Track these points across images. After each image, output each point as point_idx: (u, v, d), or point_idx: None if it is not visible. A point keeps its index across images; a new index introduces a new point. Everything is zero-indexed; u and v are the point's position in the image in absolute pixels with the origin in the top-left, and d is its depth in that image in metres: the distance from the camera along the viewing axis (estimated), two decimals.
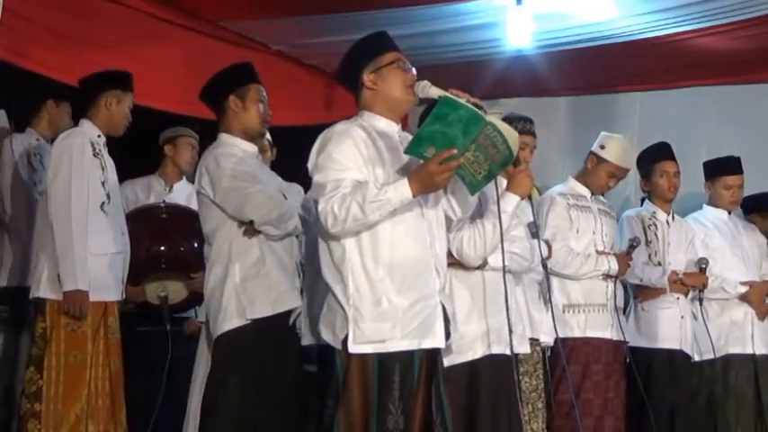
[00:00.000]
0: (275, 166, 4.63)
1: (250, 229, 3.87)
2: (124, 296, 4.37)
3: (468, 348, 3.56)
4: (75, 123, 4.79)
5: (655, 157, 5.17)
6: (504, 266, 3.46)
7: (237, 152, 3.97)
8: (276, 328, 3.87)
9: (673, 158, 5.14)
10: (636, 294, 5.11)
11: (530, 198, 3.77)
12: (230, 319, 3.82)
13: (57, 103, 4.90)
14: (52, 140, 4.87)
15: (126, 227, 4.38)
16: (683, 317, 5.05)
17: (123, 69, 4.41)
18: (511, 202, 3.58)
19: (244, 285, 3.83)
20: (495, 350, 3.62)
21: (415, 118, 3.78)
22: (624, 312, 5.00)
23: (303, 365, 4.21)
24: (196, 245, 4.30)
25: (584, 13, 5.46)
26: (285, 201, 3.97)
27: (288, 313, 3.92)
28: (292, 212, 3.93)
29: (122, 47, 5.01)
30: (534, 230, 4.44)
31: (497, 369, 3.63)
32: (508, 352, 3.62)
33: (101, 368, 4.18)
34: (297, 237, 4.08)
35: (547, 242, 4.50)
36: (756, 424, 5.12)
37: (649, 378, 4.88)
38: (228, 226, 3.89)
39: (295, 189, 4.30)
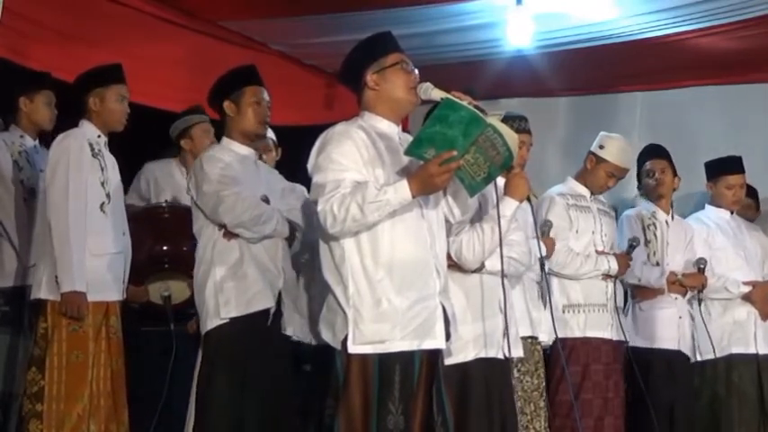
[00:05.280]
0: (278, 166, 4.64)
1: (228, 231, 3.91)
2: (125, 296, 4.35)
3: (459, 350, 3.55)
4: (60, 112, 4.80)
5: (645, 157, 5.21)
6: (502, 271, 3.47)
7: (227, 156, 4.00)
8: (255, 327, 3.92)
9: (660, 157, 5.16)
10: (634, 294, 5.11)
11: (529, 199, 3.78)
12: (211, 318, 3.90)
13: (30, 99, 4.86)
14: (39, 136, 4.87)
15: (127, 227, 4.38)
16: (680, 317, 5.06)
17: (103, 64, 4.37)
18: (509, 206, 3.59)
19: (222, 285, 3.90)
20: (487, 354, 3.62)
21: (415, 119, 3.79)
22: (623, 312, 5.00)
23: (293, 364, 4.22)
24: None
25: (584, 13, 5.47)
26: (262, 204, 3.99)
27: (264, 313, 3.94)
28: (270, 215, 3.95)
29: (122, 46, 5.02)
30: (546, 230, 4.46)
31: (489, 372, 3.63)
32: (500, 356, 3.63)
33: (103, 368, 4.17)
34: (291, 239, 4.09)
35: (546, 229, 4.49)
36: (760, 423, 5.13)
37: (647, 378, 4.88)
38: (211, 228, 3.95)
39: (298, 191, 4.30)
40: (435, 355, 3.24)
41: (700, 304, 5.11)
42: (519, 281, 4.09)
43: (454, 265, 3.59)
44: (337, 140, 3.18)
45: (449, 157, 3.04)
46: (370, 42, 3.37)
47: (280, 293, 4.02)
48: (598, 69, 6.35)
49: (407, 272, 3.16)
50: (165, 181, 5.21)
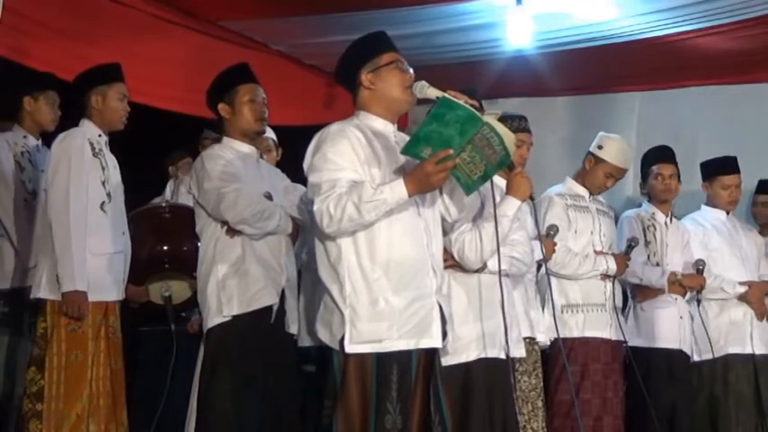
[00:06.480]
0: (278, 166, 4.64)
1: (231, 228, 3.91)
2: (124, 296, 4.36)
3: (462, 350, 3.55)
4: (63, 113, 4.81)
5: (652, 159, 5.19)
6: (499, 270, 3.46)
7: (228, 154, 4.01)
8: (258, 325, 3.92)
9: (670, 161, 5.15)
10: (634, 294, 5.11)
11: (531, 198, 3.78)
12: (213, 317, 3.90)
13: (34, 99, 4.87)
14: (42, 136, 4.88)
15: (127, 227, 4.38)
16: (681, 317, 5.05)
17: (104, 63, 4.38)
18: (511, 206, 3.58)
19: (224, 283, 3.89)
20: (490, 354, 3.61)
21: (416, 119, 3.78)
22: (623, 313, 5.01)
23: (297, 361, 4.23)
24: (199, 244, 4.31)
25: (584, 13, 5.48)
26: (264, 200, 3.98)
27: (267, 310, 3.95)
28: (272, 211, 3.95)
29: (123, 46, 5.02)
30: (552, 233, 4.45)
31: (491, 372, 3.61)
32: (503, 356, 3.62)
33: (102, 368, 4.17)
34: (294, 236, 4.09)
35: (552, 233, 4.49)
36: (757, 424, 5.13)
37: (648, 378, 4.87)
38: (213, 226, 3.95)
39: (300, 190, 4.30)
40: (432, 354, 3.24)
41: (699, 305, 5.11)
42: (519, 282, 4.09)
43: (456, 265, 3.59)
44: (332, 140, 3.18)
45: (445, 156, 3.04)
46: (365, 42, 3.37)
47: (283, 291, 4.02)
48: (598, 69, 6.37)
49: (404, 271, 3.16)
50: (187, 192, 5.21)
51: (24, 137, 4.87)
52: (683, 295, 5.09)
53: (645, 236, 5.10)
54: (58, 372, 4.10)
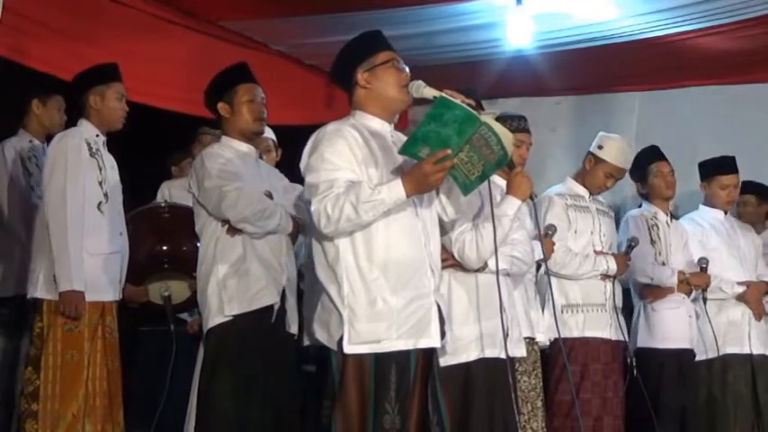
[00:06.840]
0: (278, 166, 4.65)
1: (233, 227, 3.91)
2: (121, 296, 4.35)
3: (462, 350, 3.55)
4: (70, 117, 4.82)
5: (648, 159, 5.19)
6: (497, 270, 3.46)
7: (228, 153, 4.01)
8: (259, 324, 3.91)
9: (665, 159, 5.16)
10: (644, 294, 5.09)
11: (532, 198, 3.78)
12: (214, 316, 3.89)
13: (43, 102, 4.88)
14: (47, 140, 4.88)
15: (125, 227, 4.38)
16: (690, 316, 5.06)
17: (103, 62, 4.38)
18: (512, 205, 3.58)
19: (225, 283, 3.89)
20: (490, 354, 3.60)
21: (416, 118, 3.78)
22: (631, 313, 5.00)
23: (297, 360, 4.23)
24: (198, 244, 4.31)
25: (584, 14, 5.48)
26: (265, 198, 3.98)
27: (268, 309, 3.94)
28: (273, 210, 3.95)
29: (123, 46, 5.02)
30: (550, 233, 4.46)
31: (491, 372, 3.61)
32: (503, 355, 3.61)
33: (98, 368, 4.17)
34: (294, 235, 4.09)
35: (550, 232, 4.49)
36: (753, 423, 5.13)
37: (662, 379, 4.89)
38: (213, 225, 3.95)
39: (299, 189, 4.29)
40: (430, 353, 3.23)
41: (705, 303, 5.11)
42: (520, 282, 4.09)
43: (457, 265, 3.59)
44: (329, 140, 3.17)
45: (443, 156, 3.03)
46: (361, 41, 3.36)
47: (284, 290, 4.01)
48: (598, 69, 6.37)
49: (402, 271, 3.15)
50: (180, 192, 5.20)
51: (30, 141, 4.88)
52: (689, 294, 5.09)
53: (650, 235, 5.09)
54: (53, 371, 4.10)
